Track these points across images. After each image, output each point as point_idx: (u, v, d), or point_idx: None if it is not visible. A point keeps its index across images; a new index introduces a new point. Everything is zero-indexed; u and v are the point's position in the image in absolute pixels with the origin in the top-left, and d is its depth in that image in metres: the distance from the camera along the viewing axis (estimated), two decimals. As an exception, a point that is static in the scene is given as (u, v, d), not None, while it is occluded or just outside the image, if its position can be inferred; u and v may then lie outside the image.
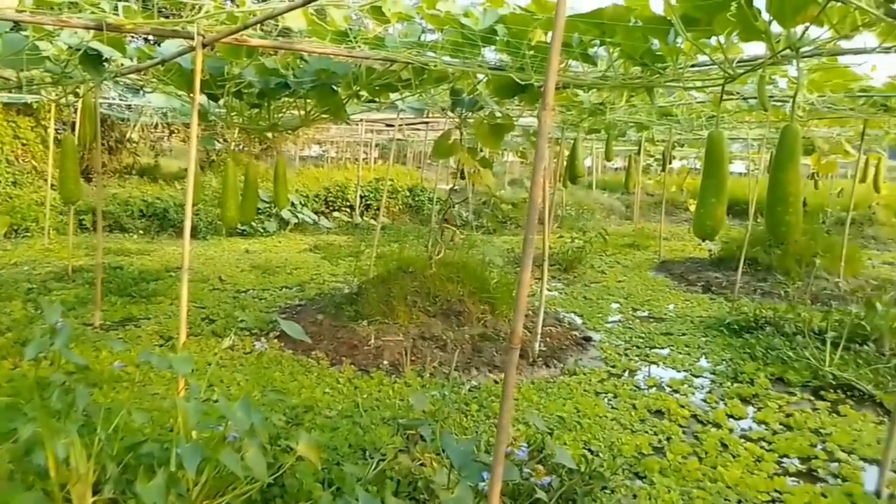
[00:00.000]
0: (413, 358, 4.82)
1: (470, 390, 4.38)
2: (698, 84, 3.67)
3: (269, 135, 12.65)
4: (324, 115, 4.82)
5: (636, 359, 5.33)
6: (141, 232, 10.82)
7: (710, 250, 9.92)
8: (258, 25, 3.60)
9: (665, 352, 5.54)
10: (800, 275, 7.89)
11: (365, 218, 12.80)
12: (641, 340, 5.84)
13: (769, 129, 9.74)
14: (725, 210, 2.80)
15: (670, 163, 15.93)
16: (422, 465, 2.85)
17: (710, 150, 2.78)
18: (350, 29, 3.47)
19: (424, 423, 2.99)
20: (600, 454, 3.53)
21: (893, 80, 5.02)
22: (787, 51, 2.53)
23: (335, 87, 4.33)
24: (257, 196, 4.93)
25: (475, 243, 7.57)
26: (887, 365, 4.83)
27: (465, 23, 3.31)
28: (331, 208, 12.91)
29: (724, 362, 5.25)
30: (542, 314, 5.09)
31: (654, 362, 5.28)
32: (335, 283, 7.50)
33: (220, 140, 13.06)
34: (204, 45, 3.30)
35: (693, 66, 3.44)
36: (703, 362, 5.30)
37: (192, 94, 3.39)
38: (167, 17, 3.90)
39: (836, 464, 3.60)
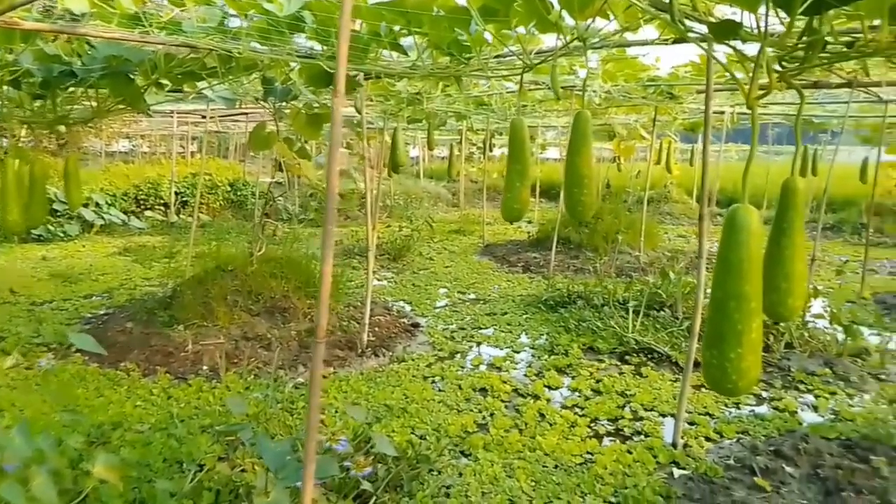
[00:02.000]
0: (236, 360, 4.62)
1: (296, 387, 4.28)
2: (503, 73, 3.82)
3: (63, 128, 11.45)
4: (121, 106, 4.43)
5: (462, 340, 5.50)
6: None
7: (528, 232, 10.46)
8: (31, 7, 3.22)
9: (489, 331, 5.77)
10: (606, 250, 8.55)
11: (182, 216, 12.03)
12: (467, 322, 6.04)
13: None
14: (530, 193, 2.95)
15: (490, 150, 16.60)
16: (243, 470, 2.73)
17: (513, 137, 2.90)
18: (144, 13, 3.21)
19: (244, 428, 2.86)
20: (427, 437, 3.60)
21: (676, 70, 5.58)
22: (578, 42, 2.69)
23: (131, 76, 4.00)
24: (46, 197, 4.43)
25: (300, 237, 7.39)
26: (680, 328, 5.37)
27: (268, 8, 3.19)
28: (143, 207, 11.98)
29: (542, 337, 5.58)
30: (369, 304, 5.08)
31: (479, 342, 5.48)
32: (149, 288, 6.98)
33: (9, 136, 11.61)
34: (-37, 27, 2.90)
35: (498, 56, 3.57)
36: (524, 338, 5.59)
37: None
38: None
39: (640, 422, 3.95)
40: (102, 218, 10.86)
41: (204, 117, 11.02)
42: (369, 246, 5.01)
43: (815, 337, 5.24)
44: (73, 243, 10.00)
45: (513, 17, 2.65)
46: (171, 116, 11.60)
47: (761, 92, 1.72)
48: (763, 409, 4.19)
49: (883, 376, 4.77)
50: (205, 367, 4.54)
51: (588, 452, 3.51)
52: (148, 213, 11.75)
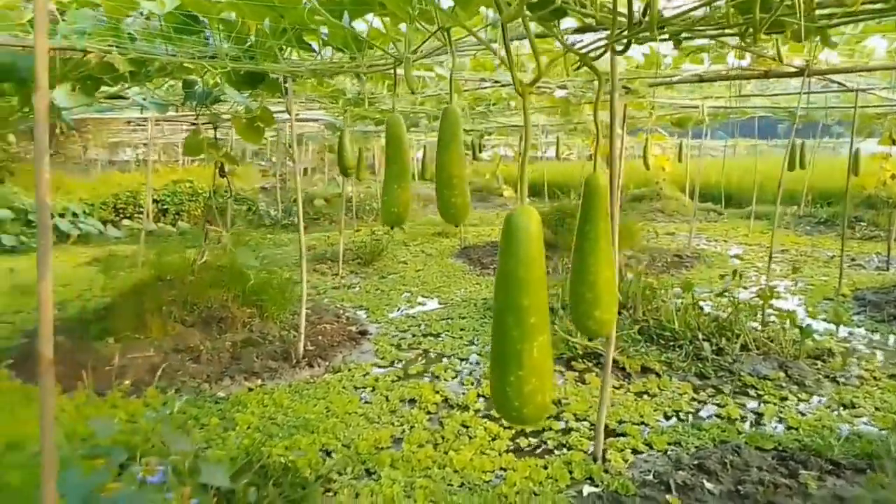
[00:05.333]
0: (164, 373, 4.46)
1: (216, 402, 4.12)
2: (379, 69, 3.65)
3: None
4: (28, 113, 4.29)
5: (408, 348, 5.31)
6: None
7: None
8: None
9: (440, 338, 5.57)
10: (580, 251, 8.30)
11: (161, 224, 11.94)
12: (420, 329, 5.84)
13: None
14: (410, 196, 2.75)
15: (480, 151, 16.38)
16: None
17: (390, 136, 2.69)
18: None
19: (114, 450, 2.70)
20: (335, 454, 3.42)
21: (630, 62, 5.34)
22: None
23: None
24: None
25: (279, 243, 7.24)
26: (631, 331, 5.14)
27: (150, 8, 3.03)
28: (121, 216, 11.91)
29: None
30: (304, 312, 4.89)
31: (426, 350, 5.28)
32: (105, 299, 6.85)
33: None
34: None
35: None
36: (474, 345, 5.37)
37: None
38: None
39: (568, 434, 3.72)
40: (79, 228, 10.79)
41: (194, 123, 10.94)
42: (302, 253, 4.83)
43: (773, 338, 4.99)
44: (46, 254, 9.91)
45: (391, 9, 2.47)
46: (146, 123, 11.51)
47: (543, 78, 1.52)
48: (708, 417, 3.96)
49: (842, 379, 4.51)
50: (127, 382, 4.39)
51: (501, 468, 3.31)
52: (126, 221, 11.66)
